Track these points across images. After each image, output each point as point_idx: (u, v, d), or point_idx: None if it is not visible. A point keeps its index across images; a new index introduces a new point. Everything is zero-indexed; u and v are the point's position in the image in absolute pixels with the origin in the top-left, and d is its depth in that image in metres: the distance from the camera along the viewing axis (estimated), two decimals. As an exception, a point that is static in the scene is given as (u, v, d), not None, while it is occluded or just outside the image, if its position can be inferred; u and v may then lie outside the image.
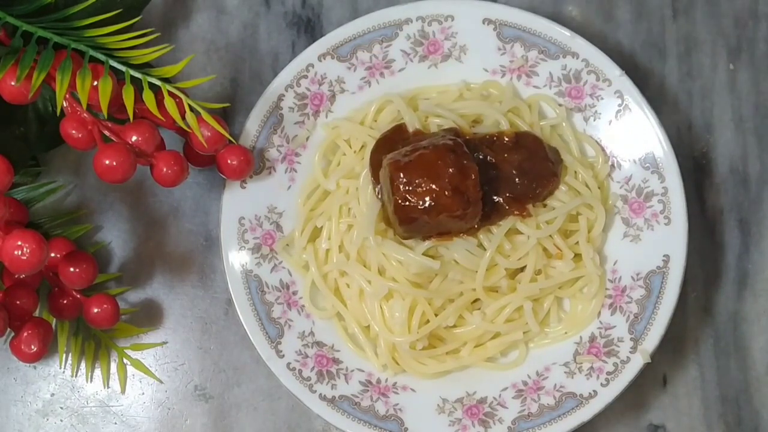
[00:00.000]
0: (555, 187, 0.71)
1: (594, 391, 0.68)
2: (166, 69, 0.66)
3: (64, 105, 0.65)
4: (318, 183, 0.72)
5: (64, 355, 0.73)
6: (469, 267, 0.68)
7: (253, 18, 0.79)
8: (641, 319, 0.69)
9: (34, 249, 0.60)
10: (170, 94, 0.65)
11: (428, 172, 0.66)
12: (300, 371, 0.69)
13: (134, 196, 0.76)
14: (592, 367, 0.69)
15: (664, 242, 0.70)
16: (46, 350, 0.69)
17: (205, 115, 0.66)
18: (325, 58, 0.73)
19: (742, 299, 0.75)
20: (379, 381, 0.70)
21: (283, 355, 0.69)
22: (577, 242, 0.71)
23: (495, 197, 0.70)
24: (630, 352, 0.68)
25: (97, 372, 0.74)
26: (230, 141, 0.69)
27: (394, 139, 0.71)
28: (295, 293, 0.72)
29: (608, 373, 0.68)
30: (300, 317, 0.71)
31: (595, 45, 0.72)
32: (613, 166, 0.72)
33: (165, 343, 0.75)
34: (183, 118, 0.66)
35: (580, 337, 0.70)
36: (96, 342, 0.74)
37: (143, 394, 0.74)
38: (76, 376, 0.74)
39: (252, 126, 0.72)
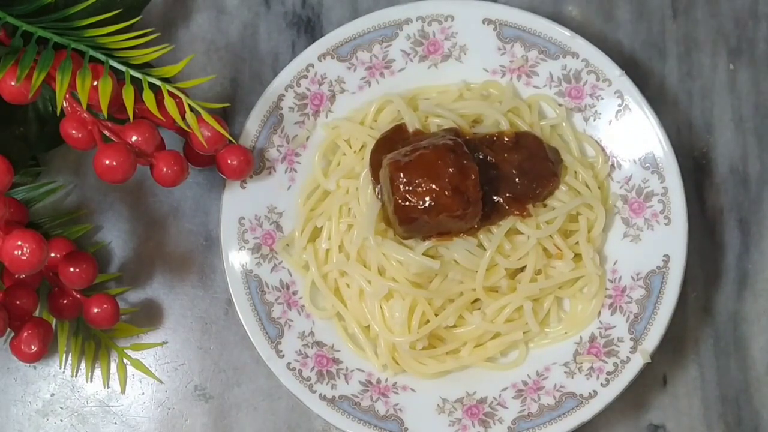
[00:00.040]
0: (555, 187, 0.71)
1: (594, 391, 0.68)
2: (166, 69, 0.66)
3: (64, 105, 0.65)
4: (318, 183, 0.72)
5: (64, 355, 0.73)
6: (469, 267, 0.68)
7: (253, 18, 0.79)
8: (641, 319, 0.69)
9: (34, 249, 0.60)
10: (170, 94, 0.65)
11: (428, 172, 0.66)
12: (300, 371, 0.69)
13: (134, 196, 0.76)
14: (592, 367, 0.69)
15: (664, 242, 0.70)
16: (46, 350, 0.69)
17: (205, 115, 0.66)
18: (325, 58, 0.73)
19: (742, 299, 0.75)
20: (379, 381, 0.70)
21: (283, 355, 0.69)
22: (577, 242, 0.71)
23: (495, 197, 0.69)
24: (630, 352, 0.68)
25: (97, 372, 0.74)
26: (230, 141, 0.69)
27: (394, 139, 0.71)
28: (295, 293, 0.72)
29: (608, 373, 0.68)
30: (300, 317, 0.71)
31: (595, 45, 0.72)
32: (613, 166, 0.72)
33: (165, 343, 0.75)
34: (183, 118, 0.66)
35: (580, 337, 0.70)
36: (96, 342, 0.74)
37: (143, 394, 0.74)
38: (76, 376, 0.74)
39: (252, 126, 0.72)
